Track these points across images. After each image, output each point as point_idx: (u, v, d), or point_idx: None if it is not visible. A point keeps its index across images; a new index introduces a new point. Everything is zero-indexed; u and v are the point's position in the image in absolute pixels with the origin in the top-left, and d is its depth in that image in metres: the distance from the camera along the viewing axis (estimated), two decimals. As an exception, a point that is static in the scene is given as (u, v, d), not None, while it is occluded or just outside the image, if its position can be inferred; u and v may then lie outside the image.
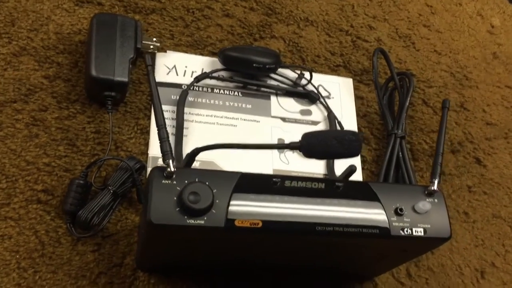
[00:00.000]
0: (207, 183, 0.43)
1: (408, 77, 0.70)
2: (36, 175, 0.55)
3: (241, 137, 0.63)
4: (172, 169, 0.42)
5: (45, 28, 0.63)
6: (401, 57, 0.77)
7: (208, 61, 0.66)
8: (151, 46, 0.64)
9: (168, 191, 0.42)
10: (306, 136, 0.46)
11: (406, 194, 0.48)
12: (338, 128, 0.67)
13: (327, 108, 0.67)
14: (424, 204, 0.47)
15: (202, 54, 0.67)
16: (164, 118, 0.44)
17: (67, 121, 0.58)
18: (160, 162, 0.59)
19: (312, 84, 0.68)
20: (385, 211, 0.47)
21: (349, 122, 0.69)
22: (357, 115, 0.70)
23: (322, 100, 0.68)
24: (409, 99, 0.68)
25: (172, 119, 0.61)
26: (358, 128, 0.69)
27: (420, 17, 0.83)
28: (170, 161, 0.43)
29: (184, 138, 0.60)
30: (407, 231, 0.46)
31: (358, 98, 0.72)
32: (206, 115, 0.63)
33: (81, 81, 0.60)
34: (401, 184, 0.55)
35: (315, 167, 0.64)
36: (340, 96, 0.70)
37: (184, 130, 0.61)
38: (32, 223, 0.53)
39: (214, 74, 0.65)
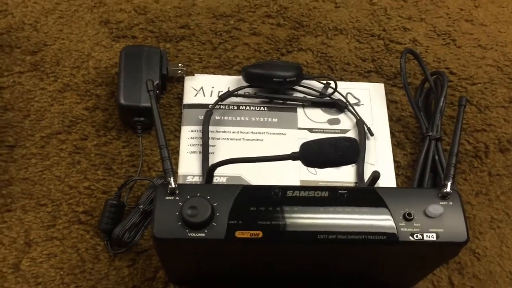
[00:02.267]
0: (208, 197, 0.45)
1: (442, 75, 0.67)
2: (77, 198, 0.60)
3: (267, 151, 0.64)
4: (173, 186, 0.45)
5: (85, 64, 0.69)
6: (440, 56, 0.74)
7: (233, 80, 0.69)
8: (179, 71, 0.67)
9: (171, 207, 0.45)
10: (303, 145, 0.46)
11: (417, 198, 0.46)
12: (368, 135, 0.66)
13: (356, 115, 0.67)
14: (436, 208, 0.45)
15: (229, 74, 0.70)
16: (165, 139, 0.47)
17: (104, 147, 0.64)
18: (189, 179, 0.62)
19: (339, 92, 0.68)
20: (392, 217, 0.45)
21: (381, 127, 0.67)
22: (391, 119, 0.68)
23: (350, 107, 0.67)
24: (443, 98, 0.65)
25: (199, 138, 0.64)
26: (392, 133, 0.67)
27: (461, 12, 0.79)
28: (171, 179, 0.45)
29: (211, 156, 0.63)
30: (417, 236, 0.45)
31: (391, 102, 0.70)
32: (233, 132, 0.65)
33: (116, 110, 0.65)
34: (413, 188, 0.53)
35: (344, 176, 0.63)
36: (371, 102, 0.69)
37: (211, 147, 0.64)
38: (74, 242, 0.58)
39: (240, 92, 0.67)
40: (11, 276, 0.56)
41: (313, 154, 0.45)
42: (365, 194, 0.47)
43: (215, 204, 0.45)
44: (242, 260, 0.49)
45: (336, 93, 0.68)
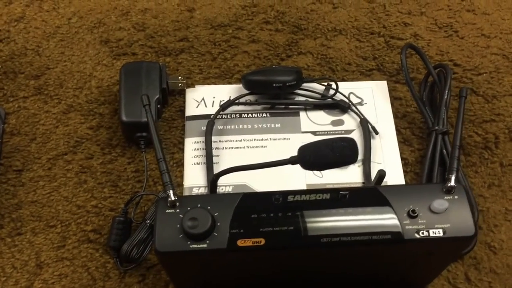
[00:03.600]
0: (208, 207, 0.45)
1: (445, 68, 0.66)
2: (85, 217, 0.61)
3: (272, 157, 0.63)
4: (173, 198, 0.45)
5: (88, 84, 0.70)
6: (442, 49, 0.73)
7: (234, 89, 0.69)
8: (179, 84, 0.68)
9: (172, 220, 0.45)
10: (301, 149, 0.46)
11: (421, 194, 0.45)
12: (373, 133, 0.65)
13: (359, 114, 0.66)
14: (440, 203, 0.44)
15: (230, 83, 0.70)
16: (163, 152, 0.47)
17: (110, 165, 0.64)
18: (195, 191, 0.62)
19: (340, 93, 0.67)
20: (396, 215, 0.44)
21: (386, 125, 0.66)
22: (396, 116, 0.67)
23: (353, 107, 0.66)
24: (447, 91, 0.64)
25: (203, 149, 0.64)
26: (398, 130, 0.66)
27: (462, 2, 0.78)
28: (171, 192, 0.45)
29: (215, 166, 0.63)
30: (423, 233, 0.44)
31: (395, 99, 0.69)
32: (236, 141, 0.65)
33: (119, 127, 0.66)
34: (417, 184, 0.51)
35: (351, 177, 0.62)
36: (374, 100, 0.68)
37: (216, 158, 0.64)
38: (84, 261, 0.58)
39: (241, 100, 0.67)
40: (24, 298, 0.56)
41: (311, 156, 0.45)
42: (368, 194, 0.46)
43: (215, 214, 0.45)
44: (249, 268, 0.49)
45: (338, 94, 0.67)
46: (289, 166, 0.62)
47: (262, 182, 0.62)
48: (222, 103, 0.66)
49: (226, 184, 0.62)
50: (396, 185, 0.48)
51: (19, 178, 0.63)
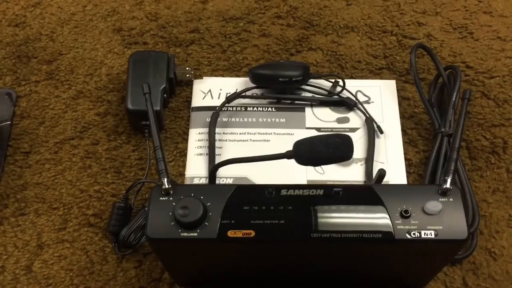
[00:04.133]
0: (201, 197, 0.45)
1: (455, 69, 0.65)
2: (88, 202, 0.62)
3: (275, 151, 0.63)
4: (167, 186, 0.45)
5: (98, 71, 0.71)
6: (456, 50, 0.72)
7: (241, 82, 0.69)
8: (187, 75, 0.68)
9: (165, 207, 0.45)
10: (296, 144, 0.46)
11: (416, 195, 0.45)
12: (378, 132, 0.64)
13: (365, 113, 0.65)
14: (434, 205, 0.44)
15: (238, 76, 0.70)
16: (160, 140, 0.48)
17: (114, 151, 0.65)
18: (196, 181, 0.62)
19: (347, 90, 0.67)
20: (388, 214, 0.44)
21: (392, 125, 0.65)
22: (403, 116, 0.67)
23: (359, 105, 0.66)
24: (455, 93, 0.63)
25: (206, 140, 0.64)
26: (404, 130, 0.66)
27: (479, 4, 0.76)
28: (165, 179, 0.46)
29: (218, 157, 0.63)
30: (414, 234, 0.43)
31: (404, 99, 0.68)
32: (240, 133, 0.65)
33: (126, 115, 0.67)
34: (413, 184, 0.51)
35: (353, 175, 0.62)
36: (381, 99, 0.67)
37: (219, 149, 0.64)
38: (83, 244, 0.59)
39: (248, 93, 0.67)
40: (24, 277, 0.58)
41: (305, 152, 0.45)
42: (362, 192, 0.46)
43: (208, 204, 0.45)
44: (241, 260, 0.49)
45: (345, 91, 0.67)
46: (291, 161, 0.62)
47: (263, 175, 0.62)
48: (228, 95, 0.66)
49: (227, 176, 0.62)
50: (392, 185, 0.47)
51: (26, 160, 0.65)
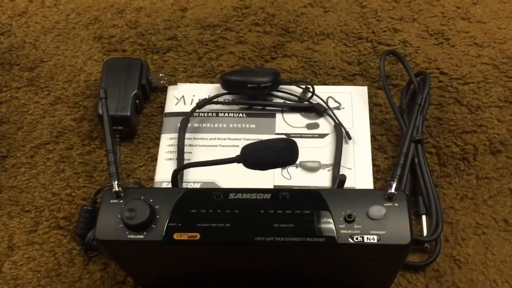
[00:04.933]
0: (151, 200, 0.46)
1: (425, 75, 0.65)
2: (59, 205, 0.63)
3: (244, 156, 0.64)
4: (117, 189, 0.46)
5: (77, 78, 0.73)
6: (431, 56, 0.71)
7: (214, 88, 0.70)
8: (162, 81, 0.69)
9: (114, 210, 0.46)
10: (244, 148, 0.46)
11: (363, 199, 0.45)
12: (346, 138, 0.64)
13: (335, 119, 0.65)
14: (378, 209, 0.44)
15: (212, 82, 0.71)
16: (113, 144, 0.49)
17: (87, 156, 0.66)
18: (164, 185, 0.63)
19: (318, 96, 0.67)
20: (332, 219, 0.44)
21: (362, 131, 0.65)
22: (374, 122, 0.67)
23: (329, 111, 0.66)
24: (423, 99, 0.63)
25: (176, 145, 0.65)
26: (373, 136, 0.66)
27: (457, 10, 0.76)
28: (115, 182, 0.47)
29: (186, 162, 0.64)
30: (357, 238, 0.43)
31: (376, 105, 0.68)
32: (210, 139, 0.66)
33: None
34: (361, 189, 0.50)
35: (319, 181, 0.62)
36: (352, 105, 0.67)
37: (188, 154, 0.65)
38: (52, 246, 0.61)
39: (220, 99, 0.68)
40: (-7, 278, 0.59)
41: (251, 156, 0.45)
42: (309, 196, 0.46)
43: (156, 207, 0.46)
44: (191, 263, 0.49)
45: (315, 98, 0.67)
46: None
47: (230, 180, 0.62)
48: (199, 101, 0.67)
49: (195, 181, 0.63)
50: (339, 189, 0.47)
51: (3, 164, 0.67)
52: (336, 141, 0.64)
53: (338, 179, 0.54)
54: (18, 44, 0.76)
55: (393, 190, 0.44)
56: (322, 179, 0.62)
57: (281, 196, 0.46)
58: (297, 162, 0.64)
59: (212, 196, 0.46)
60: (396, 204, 0.44)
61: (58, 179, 0.65)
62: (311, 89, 0.67)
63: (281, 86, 0.68)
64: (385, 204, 0.44)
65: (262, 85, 0.65)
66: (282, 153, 0.44)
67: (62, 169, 0.66)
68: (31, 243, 0.61)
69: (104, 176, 0.65)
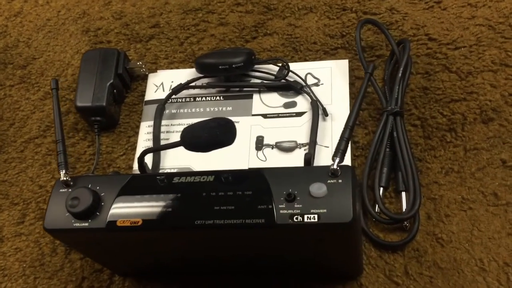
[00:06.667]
0: (97, 187, 0.46)
1: (404, 42, 0.60)
2: (44, 197, 0.65)
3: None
4: (63, 178, 0.47)
5: (65, 72, 0.74)
6: (419, 22, 0.67)
7: (192, 73, 0.69)
8: (142, 70, 0.69)
9: (62, 199, 0.46)
10: (183, 131, 0.45)
11: (305, 177, 0.43)
12: (324, 115, 0.62)
13: (311, 95, 0.63)
14: (318, 187, 0.41)
15: (192, 67, 0.70)
16: (62, 133, 0.49)
17: (71, 148, 0.68)
18: (142, 174, 0.63)
19: (294, 73, 0.64)
20: (273, 199, 0.42)
21: (341, 106, 0.62)
22: (354, 96, 0.63)
23: (305, 88, 0.63)
24: (401, 68, 0.59)
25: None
26: (354, 111, 0.62)
27: (451, -30, 0.70)
28: (62, 172, 0.47)
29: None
30: (297, 218, 0.41)
31: (358, 78, 0.65)
32: (186, 124, 0.64)
33: (83, 112, 0.69)
34: (306, 166, 0.47)
35: (295, 161, 0.60)
36: (331, 80, 0.64)
37: (165, 141, 0.64)
38: (37, 237, 0.63)
39: (198, 83, 0.67)
40: (-16, 268, 0.62)
41: (187, 138, 0.44)
42: (251, 177, 0.44)
43: (102, 194, 0.46)
44: (146, 248, 0.49)
45: (293, 75, 0.65)
46: (235, 148, 0.61)
47: (206, 165, 0.62)
48: (172, 87, 0.67)
49: (170, 167, 0.62)
50: (282, 168, 0.45)
51: (-4, 159, 0.69)
52: (312, 119, 0.61)
53: (304, 158, 0.52)
54: (12, 44, 0.79)
55: (335, 166, 0.42)
56: (298, 159, 0.60)
57: (223, 177, 0.44)
58: (273, 143, 0.62)
59: (156, 181, 0.46)
60: (340, 181, 0.42)
61: (45, 172, 0.67)
62: (292, 67, 0.64)
63: (259, 66, 0.66)
64: (328, 181, 0.42)
65: (233, 65, 0.63)
66: (213, 133, 0.43)
67: (48, 161, 0.67)
68: (18, 234, 0.63)
69: (87, 167, 0.66)
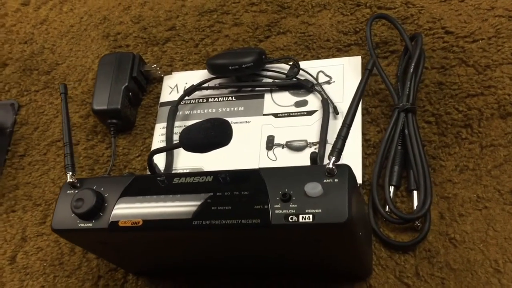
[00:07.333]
0: (102, 188, 0.47)
1: (417, 37, 0.59)
2: (65, 198, 0.67)
3: (232, 140, 0.63)
4: (71, 180, 0.48)
5: (86, 77, 0.76)
6: (436, 15, 0.64)
7: (205, 74, 0.69)
8: (157, 72, 0.70)
9: (69, 200, 0.48)
10: (181, 132, 0.46)
11: (301, 177, 0.42)
12: (334, 114, 0.61)
13: (322, 94, 0.62)
14: (313, 186, 0.41)
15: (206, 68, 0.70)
16: (70, 137, 0.50)
17: (91, 150, 0.70)
18: (156, 174, 0.64)
19: (306, 71, 0.64)
20: (269, 198, 0.42)
21: (352, 104, 0.61)
22: (367, 94, 0.62)
23: (316, 87, 0.63)
24: (413, 63, 0.57)
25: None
26: (366, 109, 0.61)
27: (471, -41, 0.67)
28: (69, 174, 0.48)
29: (176, 150, 0.64)
30: (292, 218, 0.41)
31: (371, 75, 0.63)
32: (199, 125, 0.66)
33: (101, 115, 0.71)
34: (303, 166, 0.46)
35: (305, 160, 0.59)
36: (343, 78, 0.63)
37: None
38: (57, 236, 0.65)
39: (210, 84, 0.67)
40: (8, 267, 0.64)
41: (185, 139, 0.45)
42: (249, 176, 0.44)
43: (106, 195, 0.47)
44: (151, 248, 0.50)
45: (304, 73, 0.64)
46: (246, 148, 0.61)
47: (217, 166, 0.62)
48: (185, 88, 0.67)
49: (183, 167, 0.63)
50: (280, 167, 0.44)
51: (21, 162, 0.72)
52: (323, 117, 0.60)
53: (310, 157, 0.51)
54: (38, 50, 0.82)
55: (331, 165, 0.41)
56: (308, 159, 0.59)
57: (221, 178, 0.44)
58: (283, 142, 0.61)
59: (157, 182, 0.46)
60: (336, 180, 0.41)
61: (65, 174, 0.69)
62: (303, 65, 0.64)
63: (270, 65, 0.66)
64: (324, 181, 0.41)
65: (243, 65, 0.63)
66: (209, 133, 0.43)
67: (69, 164, 0.70)
68: (40, 234, 0.66)
69: (104, 168, 0.68)
